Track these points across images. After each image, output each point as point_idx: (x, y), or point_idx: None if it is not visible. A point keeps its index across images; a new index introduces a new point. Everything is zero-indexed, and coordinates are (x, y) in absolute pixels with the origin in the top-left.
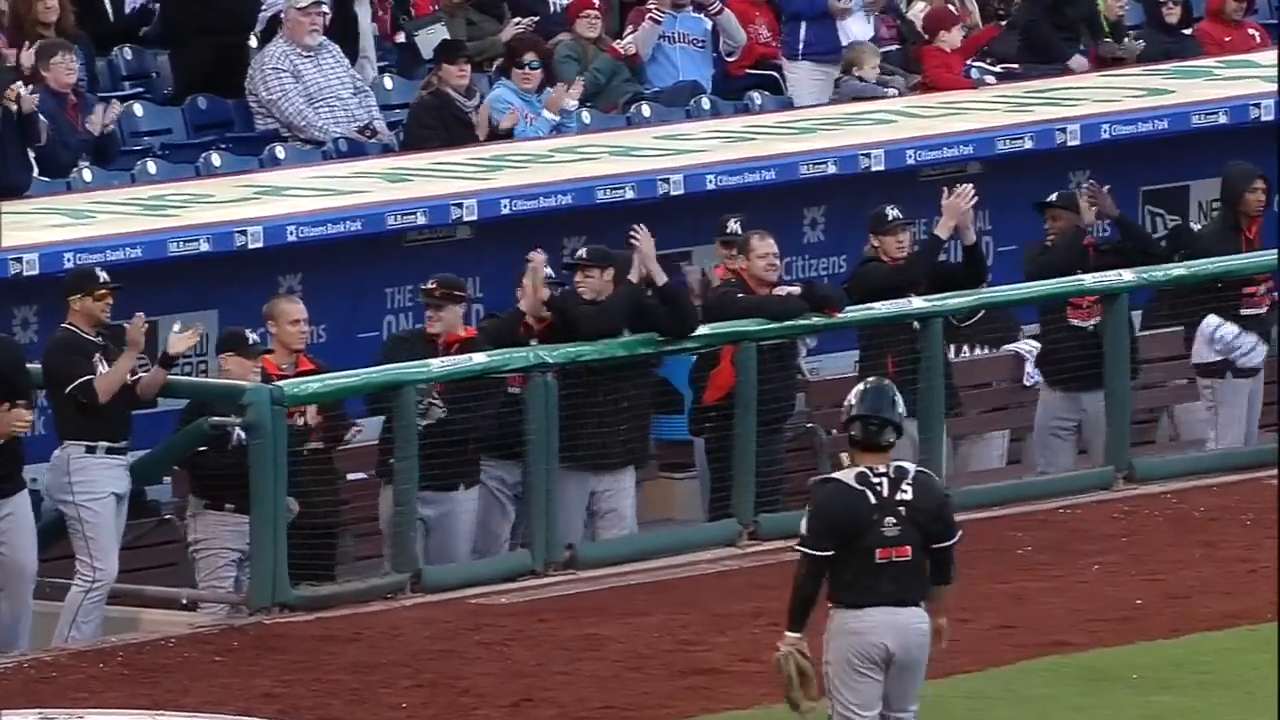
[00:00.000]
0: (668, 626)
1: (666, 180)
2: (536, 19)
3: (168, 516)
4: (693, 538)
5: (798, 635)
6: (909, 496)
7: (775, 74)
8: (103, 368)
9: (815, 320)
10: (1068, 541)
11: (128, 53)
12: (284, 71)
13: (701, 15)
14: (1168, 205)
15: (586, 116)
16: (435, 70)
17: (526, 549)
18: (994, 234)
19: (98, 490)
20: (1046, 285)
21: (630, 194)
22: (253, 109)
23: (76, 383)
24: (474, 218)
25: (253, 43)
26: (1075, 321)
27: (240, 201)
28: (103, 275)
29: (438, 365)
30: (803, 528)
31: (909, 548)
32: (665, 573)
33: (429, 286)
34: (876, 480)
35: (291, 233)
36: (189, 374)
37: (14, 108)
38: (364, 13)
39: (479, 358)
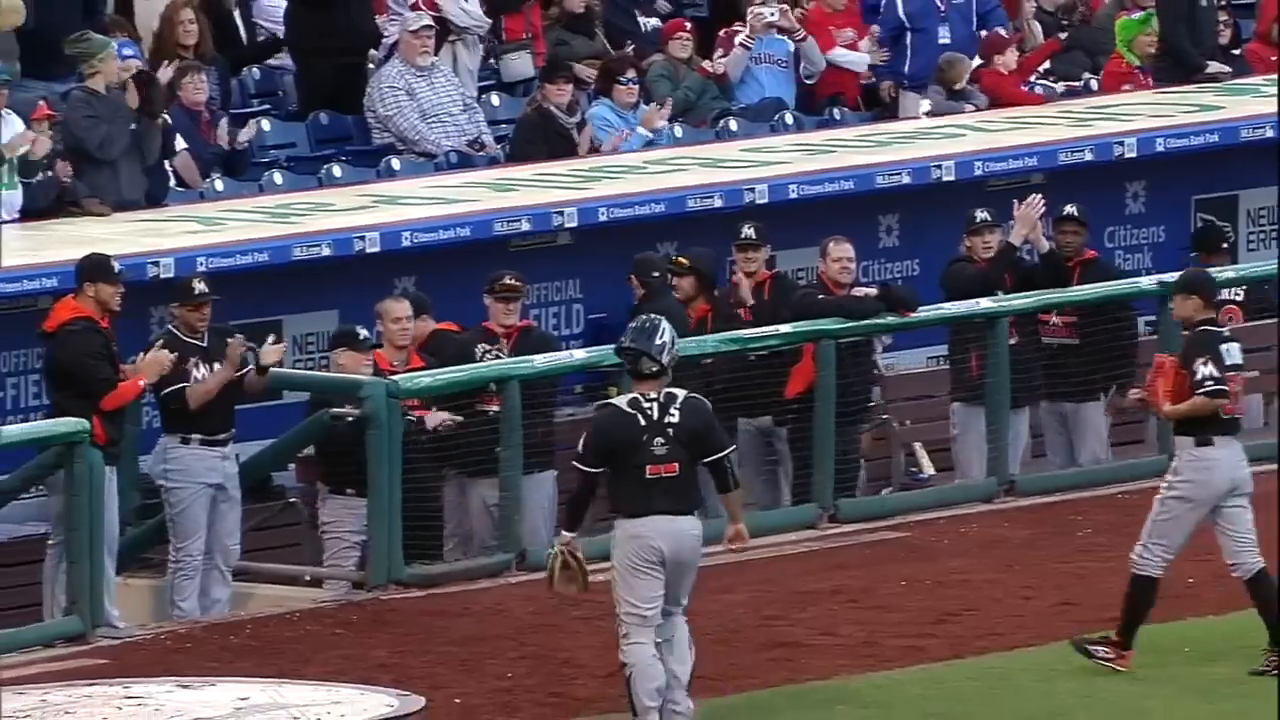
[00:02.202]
0: (753, 603)
1: (752, 190)
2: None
3: (292, 500)
4: (776, 520)
5: (571, 535)
6: (676, 419)
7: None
8: (197, 373)
9: (890, 319)
10: (1125, 525)
11: (257, 73)
12: (399, 90)
13: (785, 38)
14: (1218, 213)
15: (678, 131)
16: (539, 88)
17: None
18: (1056, 240)
19: (187, 479)
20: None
21: (718, 203)
22: (370, 124)
23: (170, 389)
24: (574, 224)
25: (371, 64)
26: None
27: (359, 209)
28: (199, 287)
29: (541, 361)
30: (581, 446)
31: (677, 464)
32: (750, 553)
33: (506, 280)
34: (647, 405)
35: (406, 238)
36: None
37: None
38: (470, 53)
39: (579, 354)
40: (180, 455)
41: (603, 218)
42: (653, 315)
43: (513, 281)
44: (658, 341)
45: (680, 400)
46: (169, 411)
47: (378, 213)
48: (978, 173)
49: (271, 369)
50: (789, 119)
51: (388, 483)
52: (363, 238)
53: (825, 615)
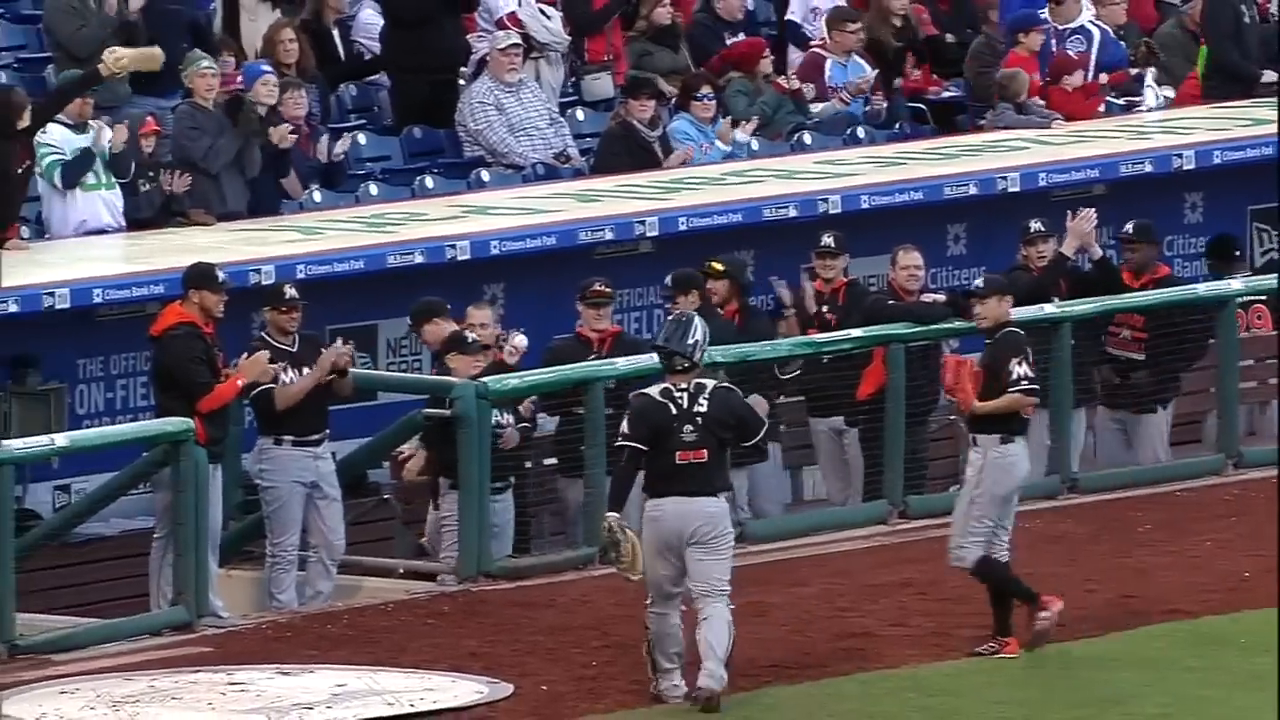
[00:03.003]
0: (826, 595)
1: (826, 200)
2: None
3: (386, 496)
4: (848, 516)
5: (616, 515)
6: (705, 408)
7: (923, 106)
8: (285, 377)
9: (958, 324)
10: (1182, 521)
11: (354, 89)
12: (489, 105)
13: (861, 61)
14: (1272, 222)
15: (755, 144)
16: (622, 103)
17: None
18: (1117, 248)
19: (280, 478)
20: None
21: (793, 212)
22: (461, 138)
23: (256, 391)
24: (655, 233)
25: (461, 80)
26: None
27: (450, 219)
28: (289, 292)
29: (623, 364)
30: (624, 428)
31: (705, 451)
32: (823, 548)
33: (597, 287)
34: (678, 395)
35: (495, 247)
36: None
37: (276, 142)
38: (552, 69)
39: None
40: (274, 455)
41: (682, 227)
42: (687, 313)
43: (603, 288)
44: (689, 340)
45: (709, 390)
46: (260, 413)
47: (468, 222)
48: (1042, 184)
49: (351, 371)
50: (861, 132)
51: (478, 480)
52: (454, 246)
53: (895, 607)
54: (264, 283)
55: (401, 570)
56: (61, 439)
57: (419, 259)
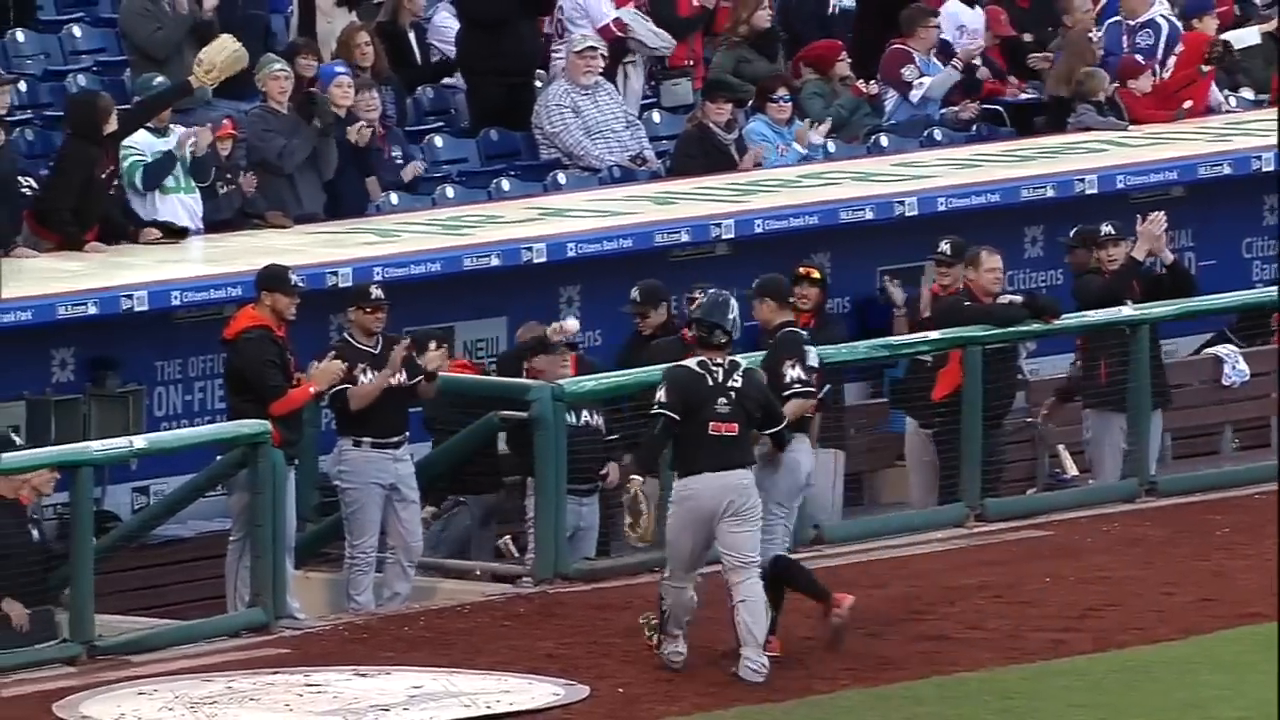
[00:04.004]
0: (903, 597)
1: (902, 202)
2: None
3: (462, 500)
4: (925, 519)
5: (642, 480)
6: (739, 385)
7: (1000, 108)
8: (364, 378)
9: (1035, 326)
10: (1261, 524)
11: (430, 92)
12: (565, 107)
13: (937, 61)
14: None
15: (831, 146)
16: (699, 106)
17: None
18: (1196, 250)
19: (359, 480)
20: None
21: (870, 215)
22: (538, 140)
23: (332, 390)
24: (731, 236)
25: (538, 82)
26: None
27: (526, 221)
28: (375, 292)
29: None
30: (660, 396)
31: (736, 425)
32: (901, 550)
33: (696, 295)
34: (714, 368)
35: (571, 249)
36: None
37: (354, 140)
38: (637, 75)
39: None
40: (352, 457)
41: (759, 229)
42: (723, 292)
43: (698, 295)
44: (730, 316)
45: (741, 370)
46: (337, 414)
47: (544, 224)
48: (1119, 186)
49: (439, 374)
50: (938, 134)
51: (554, 482)
52: (530, 248)
53: (972, 610)
54: (341, 285)
55: (479, 572)
56: (140, 441)
57: (495, 261)
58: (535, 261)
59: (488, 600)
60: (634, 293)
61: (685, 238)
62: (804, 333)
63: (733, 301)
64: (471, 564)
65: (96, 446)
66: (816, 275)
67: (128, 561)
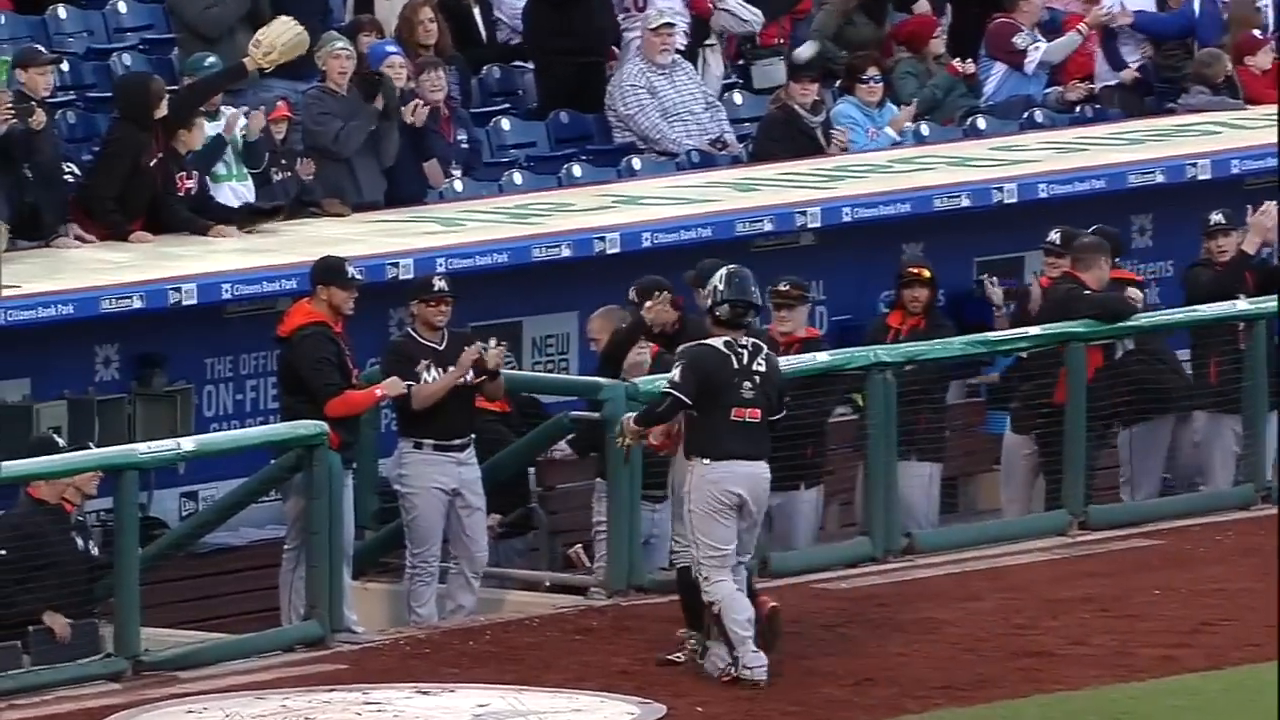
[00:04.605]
0: (1001, 611)
1: (1000, 189)
2: None
3: (532, 506)
4: (1025, 527)
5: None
6: (763, 369)
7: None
8: (428, 375)
9: (1141, 322)
10: None
11: (497, 71)
12: (640, 88)
13: (1037, 33)
14: None
15: (924, 129)
16: (784, 87)
17: (867, 536)
18: None
19: (420, 484)
20: None
21: (966, 202)
22: (611, 123)
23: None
24: (817, 224)
25: (612, 61)
26: None
27: (599, 209)
28: (439, 284)
29: (783, 364)
30: (676, 376)
31: (759, 411)
32: (998, 560)
33: (783, 288)
34: (740, 350)
35: (646, 239)
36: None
37: (410, 121)
38: (716, 56)
39: (822, 356)
40: (414, 460)
41: (846, 218)
42: (741, 268)
43: (788, 287)
44: (756, 293)
45: (764, 353)
46: (401, 414)
47: (618, 213)
48: (1234, 171)
49: (503, 372)
50: (1039, 116)
51: (628, 487)
52: (603, 238)
53: (1076, 624)
54: (401, 277)
55: (548, 583)
56: (188, 443)
57: (566, 252)
58: (608, 252)
59: (558, 613)
60: (631, 293)
61: (768, 227)
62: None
63: (751, 276)
64: (540, 574)
65: (142, 449)
66: (927, 274)
67: (175, 571)
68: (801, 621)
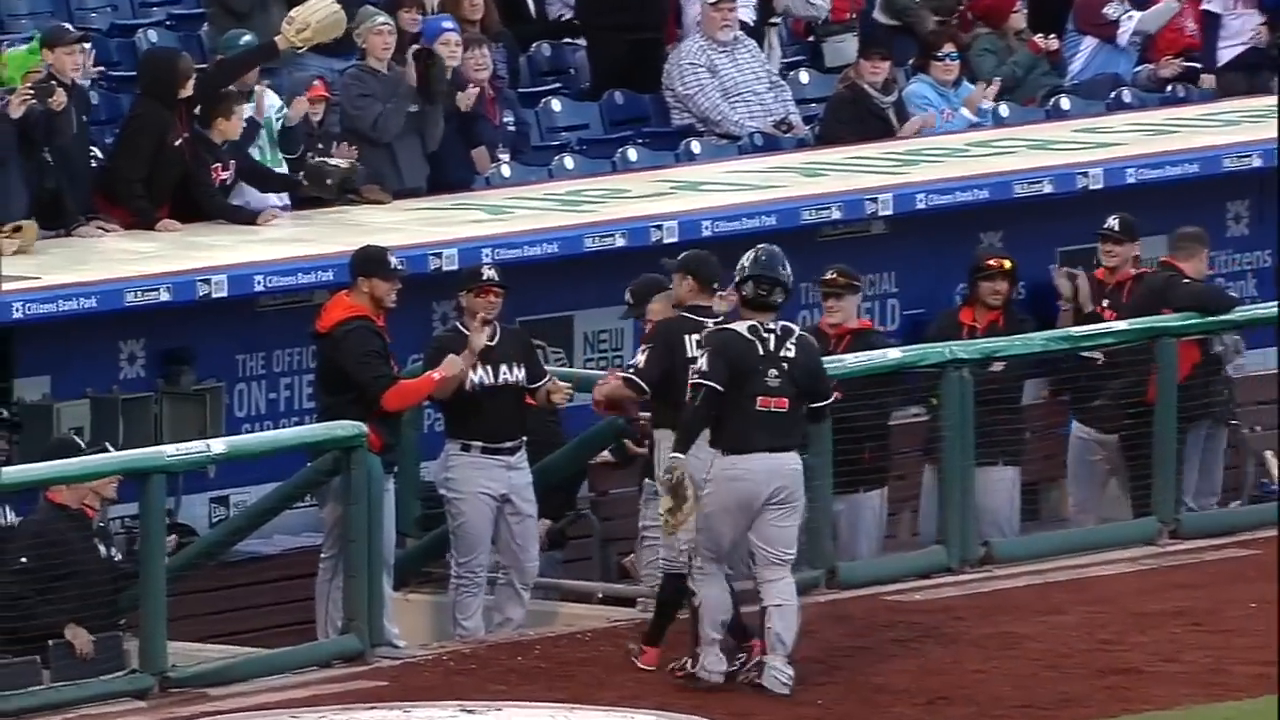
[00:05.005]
0: (1085, 625)
1: (1085, 174)
2: None
3: (584, 512)
4: (1111, 535)
5: (684, 459)
6: (792, 354)
7: (1197, 66)
8: (474, 375)
9: (1238, 316)
10: None
11: (546, 49)
12: (700, 66)
13: (1128, 4)
14: None
15: (1004, 110)
16: (853, 65)
17: (941, 545)
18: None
19: (467, 488)
20: None
21: (1048, 188)
22: (669, 104)
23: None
24: (889, 212)
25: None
26: None
27: (656, 196)
28: (488, 273)
29: (852, 360)
30: (703, 365)
31: (786, 400)
32: (1083, 570)
33: (829, 275)
34: (766, 334)
35: (706, 227)
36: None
37: (464, 107)
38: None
39: (893, 353)
40: (461, 464)
41: (920, 205)
42: (771, 246)
43: (832, 275)
44: (785, 272)
45: (795, 336)
46: (450, 412)
47: (676, 200)
48: None
49: (550, 369)
50: (1127, 96)
51: None
52: (660, 227)
53: (1166, 639)
54: (445, 268)
55: (601, 595)
56: (219, 445)
57: (620, 242)
58: (665, 242)
59: (612, 626)
60: (627, 294)
61: (836, 214)
62: (704, 320)
63: (782, 255)
64: (593, 585)
65: (170, 451)
66: (1008, 266)
67: (205, 582)
68: (872, 636)
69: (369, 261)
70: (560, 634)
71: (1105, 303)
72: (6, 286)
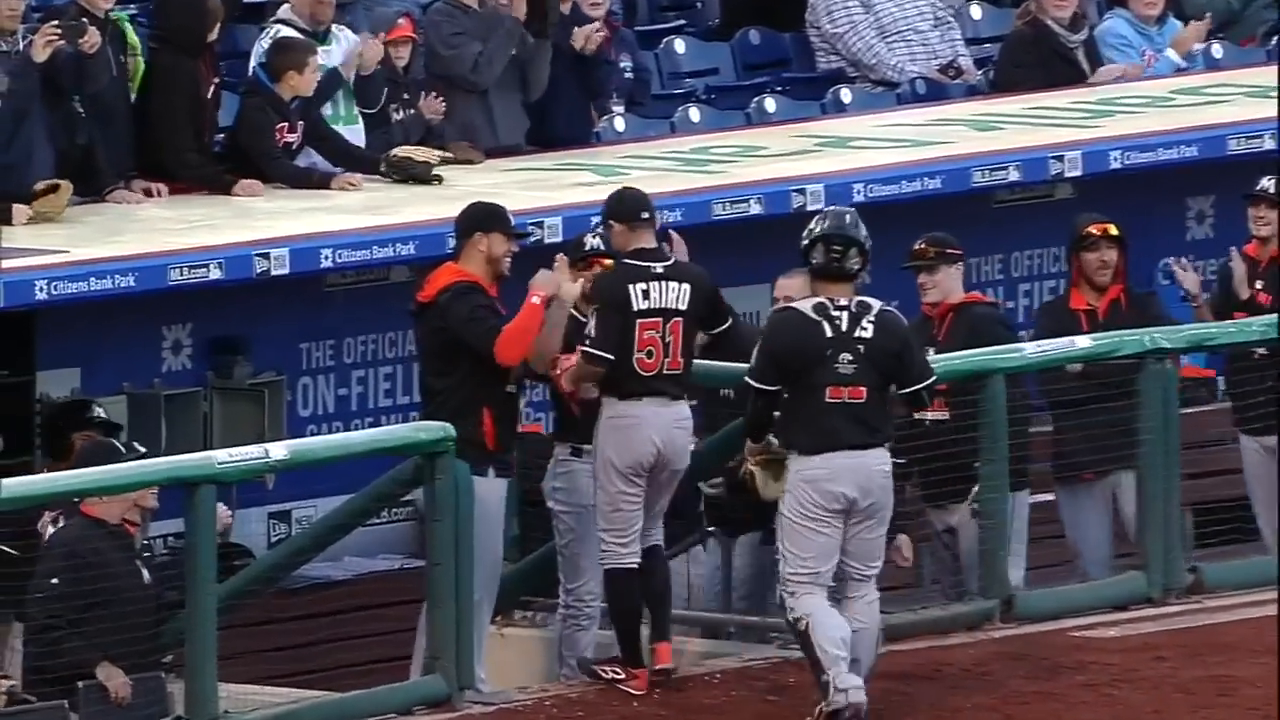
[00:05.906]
0: None
1: None
2: None
3: (711, 530)
4: None
5: (759, 444)
6: (869, 334)
7: None
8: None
9: None
10: None
11: None
12: (852, 1)
13: None
14: None
15: (1217, 51)
16: None
17: (1140, 571)
18: None
19: (581, 501)
20: None
21: (1269, 144)
22: (814, 44)
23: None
24: (1077, 173)
25: None
26: None
27: (797, 155)
28: (591, 242)
29: (1031, 351)
30: (755, 359)
31: (864, 389)
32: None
33: (919, 246)
34: (836, 313)
35: (858, 191)
36: None
37: (580, 47)
38: None
39: (1082, 341)
40: (572, 471)
41: (1115, 164)
42: (842, 206)
43: (921, 245)
44: (864, 232)
45: (875, 312)
46: (559, 414)
47: (822, 159)
48: None
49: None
50: None
51: None
52: (802, 191)
53: None
54: (547, 240)
55: (733, 629)
56: (279, 450)
57: (755, 209)
58: (809, 208)
59: (746, 666)
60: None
61: (1014, 176)
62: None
63: (857, 214)
64: (725, 617)
65: (221, 457)
66: (1114, 231)
67: (263, 612)
68: (1058, 680)
69: (489, 216)
70: (685, 675)
71: (1259, 286)
72: (30, 261)
